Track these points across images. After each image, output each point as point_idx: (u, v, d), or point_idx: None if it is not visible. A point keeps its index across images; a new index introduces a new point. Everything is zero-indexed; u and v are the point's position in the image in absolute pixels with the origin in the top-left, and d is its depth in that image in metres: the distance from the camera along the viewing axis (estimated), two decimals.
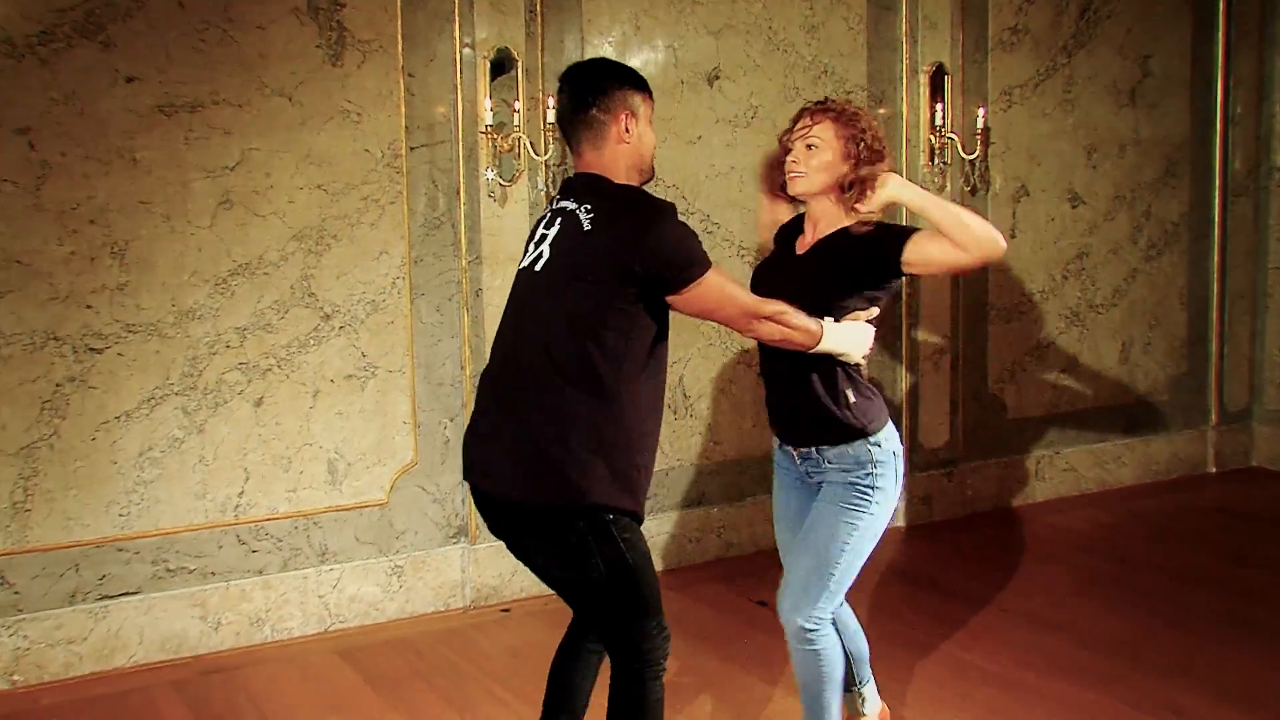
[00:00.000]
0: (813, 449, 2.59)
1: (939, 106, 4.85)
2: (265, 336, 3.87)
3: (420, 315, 4.08)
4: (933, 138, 4.86)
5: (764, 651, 3.59)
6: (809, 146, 2.54)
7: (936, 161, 4.89)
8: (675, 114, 4.41)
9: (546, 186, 4.13)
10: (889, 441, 2.59)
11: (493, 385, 2.38)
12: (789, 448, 2.65)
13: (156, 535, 3.77)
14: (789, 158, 2.58)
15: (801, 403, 2.56)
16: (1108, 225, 5.52)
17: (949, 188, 4.99)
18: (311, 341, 3.95)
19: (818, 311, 2.45)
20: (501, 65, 4.07)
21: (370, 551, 4.09)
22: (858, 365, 2.57)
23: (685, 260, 2.26)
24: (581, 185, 2.40)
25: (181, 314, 3.75)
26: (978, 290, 5.21)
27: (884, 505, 2.57)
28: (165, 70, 3.66)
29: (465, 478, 2.43)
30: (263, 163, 3.82)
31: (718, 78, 4.54)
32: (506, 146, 4.02)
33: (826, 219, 2.60)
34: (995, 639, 3.80)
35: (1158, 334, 5.71)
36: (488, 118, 3.98)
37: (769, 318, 2.37)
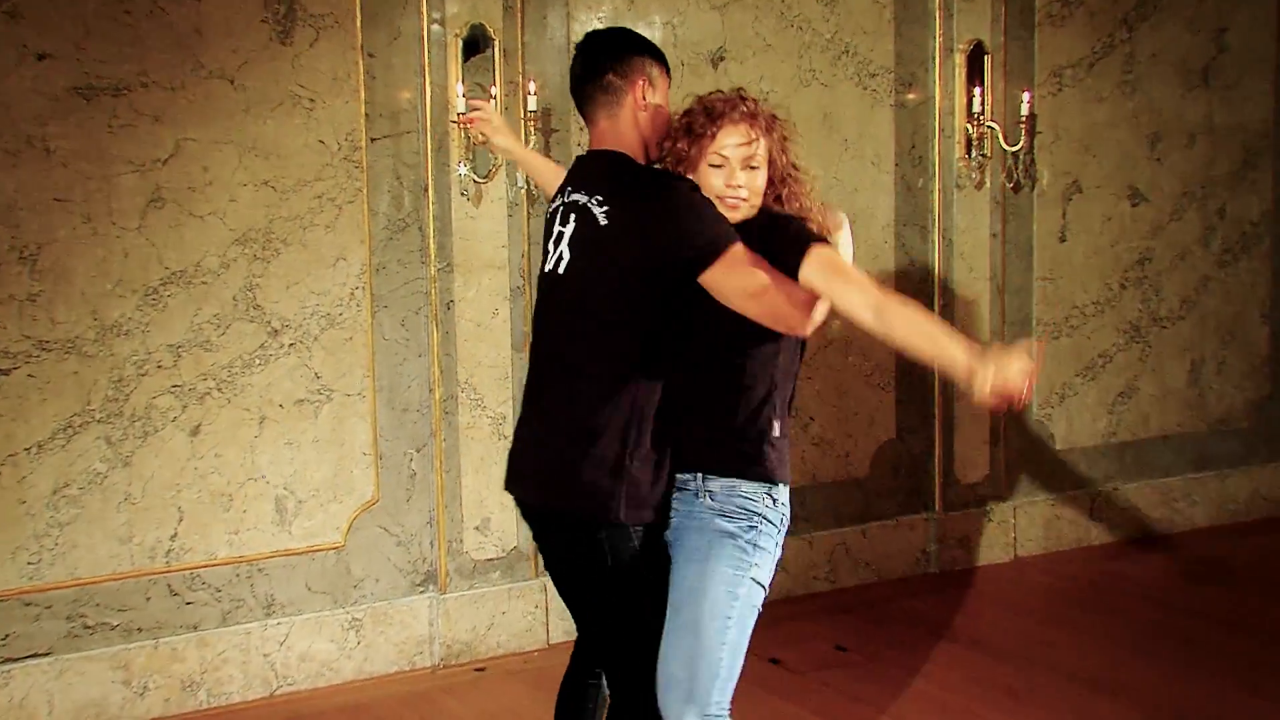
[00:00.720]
0: (694, 475, 2.48)
1: (977, 90, 4.82)
2: (203, 355, 3.86)
3: (383, 331, 4.09)
4: (970, 126, 4.84)
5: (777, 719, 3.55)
6: (752, 168, 2.44)
7: (974, 154, 4.86)
8: (674, 100, 4.28)
9: (527, 183, 4.13)
10: (786, 503, 2.51)
11: (529, 394, 2.59)
12: (690, 479, 2.54)
13: (72, 586, 3.74)
14: (724, 179, 2.43)
15: (701, 408, 2.47)
16: (1174, 226, 5.50)
17: (988, 184, 4.97)
18: (257, 361, 3.94)
19: (726, 334, 2.42)
20: (475, 44, 4.08)
21: (324, 602, 4.08)
22: (789, 399, 2.51)
23: (708, 234, 2.34)
24: (593, 170, 2.52)
25: (104, 329, 3.73)
26: (1021, 301, 5.20)
27: (764, 573, 2.46)
28: (83, 46, 3.63)
29: (505, 488, 2.66)
30: (200, 155, 3.81)
31: (723, 59, 4.55)
32: (481, 138, 3.84)
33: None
34: (1043, 705, 3.79)
35: (1234, 351, 5.69)
36: (460, 105, 3.97)
37: (803, 303, 2.35)
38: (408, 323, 4.13)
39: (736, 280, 2.34)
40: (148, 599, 3.84)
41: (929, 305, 4.94)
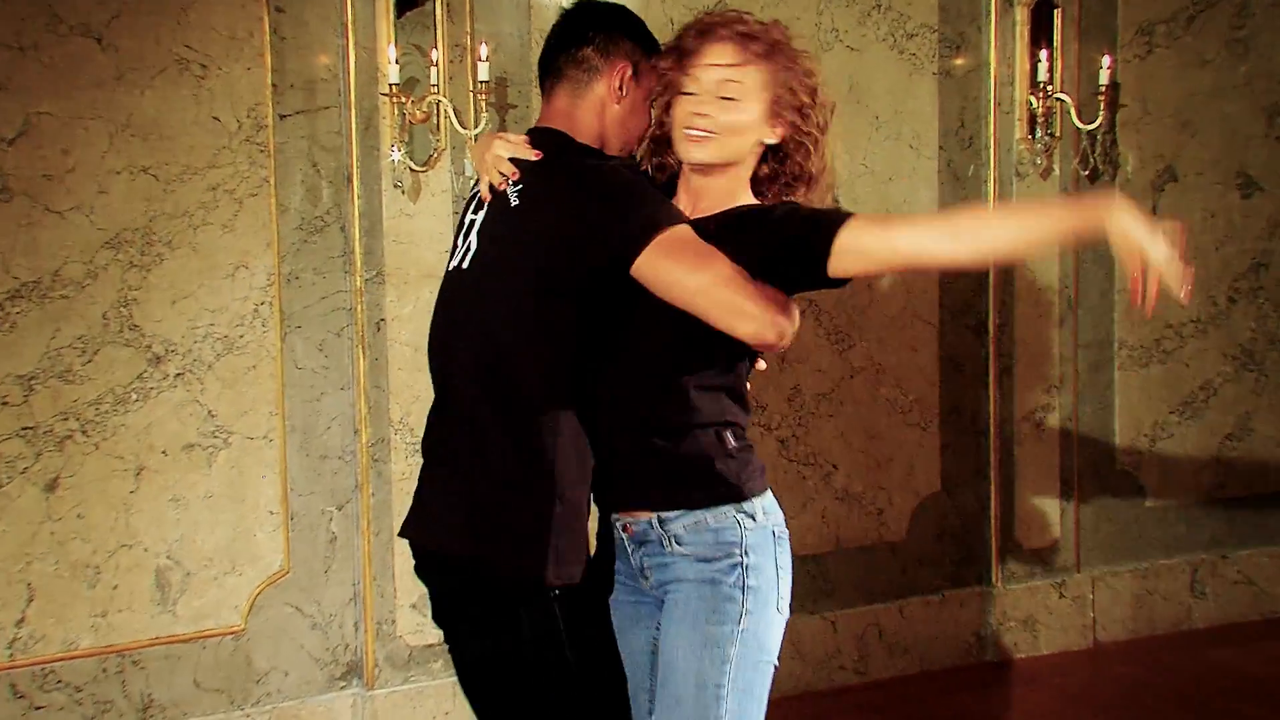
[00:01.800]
0: (650, 518, 2.53)
1: (1044, 54, 4.80)
2: (63, 389, 3.85)
3: (295, 357, 4.10)
4: (1034, 99, 4.81)
5: None
6: (724, 98, 2.47)
7: (1039, 135, 4.83)
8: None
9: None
10: (768, 515, 2.55)
11: (431, 422, 2.67)
12: (616, 519, 2.60)
13: None
14: (687, 105, 2.50)
15: (637, 434, 2.52)
16: None
17: (1057, 171, 4.96)
18: (134, 396, 3.93)
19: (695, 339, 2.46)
20: None
21: (218, 703, 4.04)
22: (747, 388, 2.59)
23: (642, 212, 2.38)
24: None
25: None
26: (1100, 318, 5.18)
27: (761, 616, 2.49)
28: None
29: (400, 533, 2.73)
30: (58, 134, 3.80)
31: None
32: (420, 115, 4.05)
33: (712, 196, 2.56)
34: None
35: None
36: (392, 73, 3.99)
37: (771, 299, 2.39)
38: (327, 347, 4.14)
39: (679, 268, 2.35)
40: None
41: (981, 325, 4.94)
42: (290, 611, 4.11)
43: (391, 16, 4.03)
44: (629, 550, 2.59)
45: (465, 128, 4.05)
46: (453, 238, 2.68)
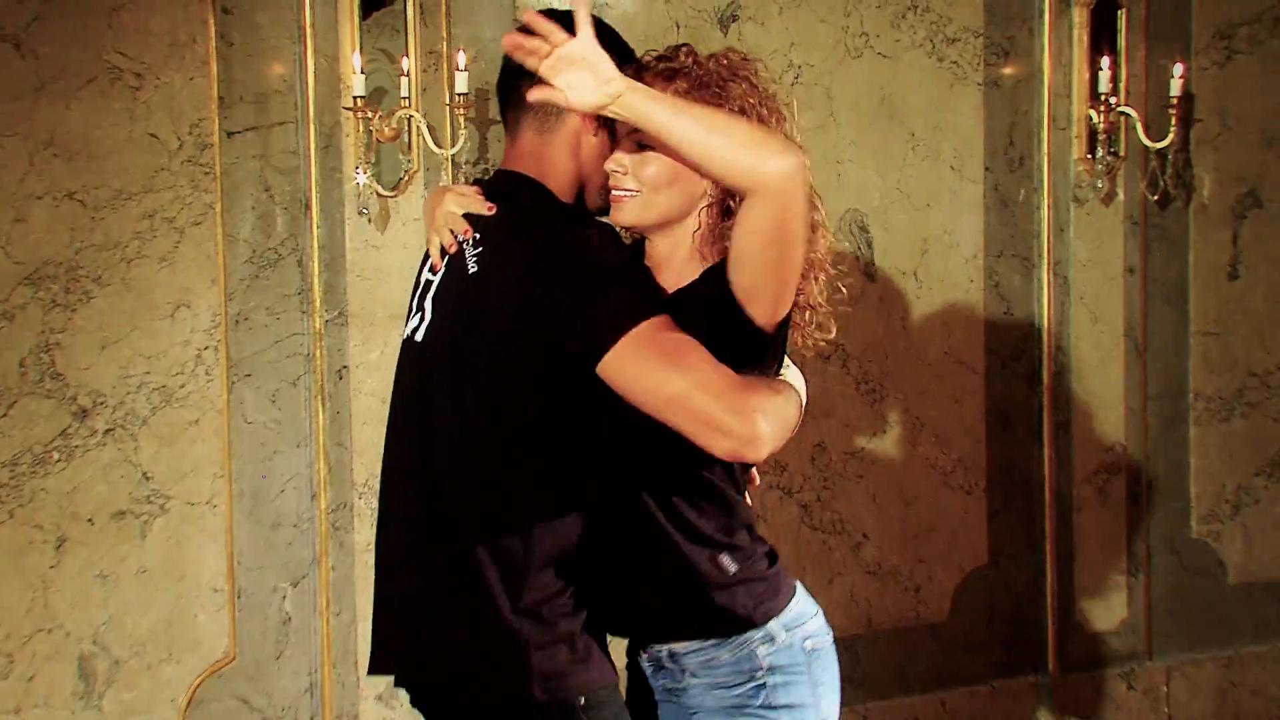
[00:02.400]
0: (661, 648, 2.59)
1: (1105, 61, 4.77)
2: None
3: (244, 410, 4.09)
4: (1095, 113, 4.79)
5: None
6: (640, 146, 2.46)
7: (1101, 154, 4.80)
8: None
9: None
10: (796, 629, 2.57)
11: (385, 517, 2.65)
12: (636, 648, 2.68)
13: None
14: (609, 161, 2.52)
15: (623, 556, 2.55)
16: None
17: (1121, 196, 4.95)
18: (55, 455, 3.90)
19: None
20: None
21: None
22: (739, 498, 2.59)
23: (610, 302, 2.33)
24: (489, 196, 2.58)
25: None
26: (1172, 365, 5.16)
27: None
28: None
29: (370, 670, 2.71)
30: None
31: (735, 18, 4.56)
32: (389, 132, 4.05)
33: (676, 263, 2.54)
34: None
35: None
36: (357, 84, 3.97)
37: (755, 409, 2.35)
38: (281, 398, 4.13)
39: (650, 373, 2.30)
40: None
41: (1034, 373, 4.92)
42: (236, 705, 4.07)
43: (356, 19, 4.03)
44: (648, 673, 2.65)
45: (441, 147, 4.05)
46: (410, 295, 2.66)
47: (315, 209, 4.07)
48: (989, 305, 4.89)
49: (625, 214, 2.51)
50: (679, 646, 2.55)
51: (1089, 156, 4.85)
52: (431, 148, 4.04)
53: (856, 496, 4.73)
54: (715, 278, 2.45)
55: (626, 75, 2.36)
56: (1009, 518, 4.96)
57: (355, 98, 3.95)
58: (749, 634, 2.52)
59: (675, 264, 2.54)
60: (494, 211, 2.50)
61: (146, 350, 3.94)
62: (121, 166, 3.90)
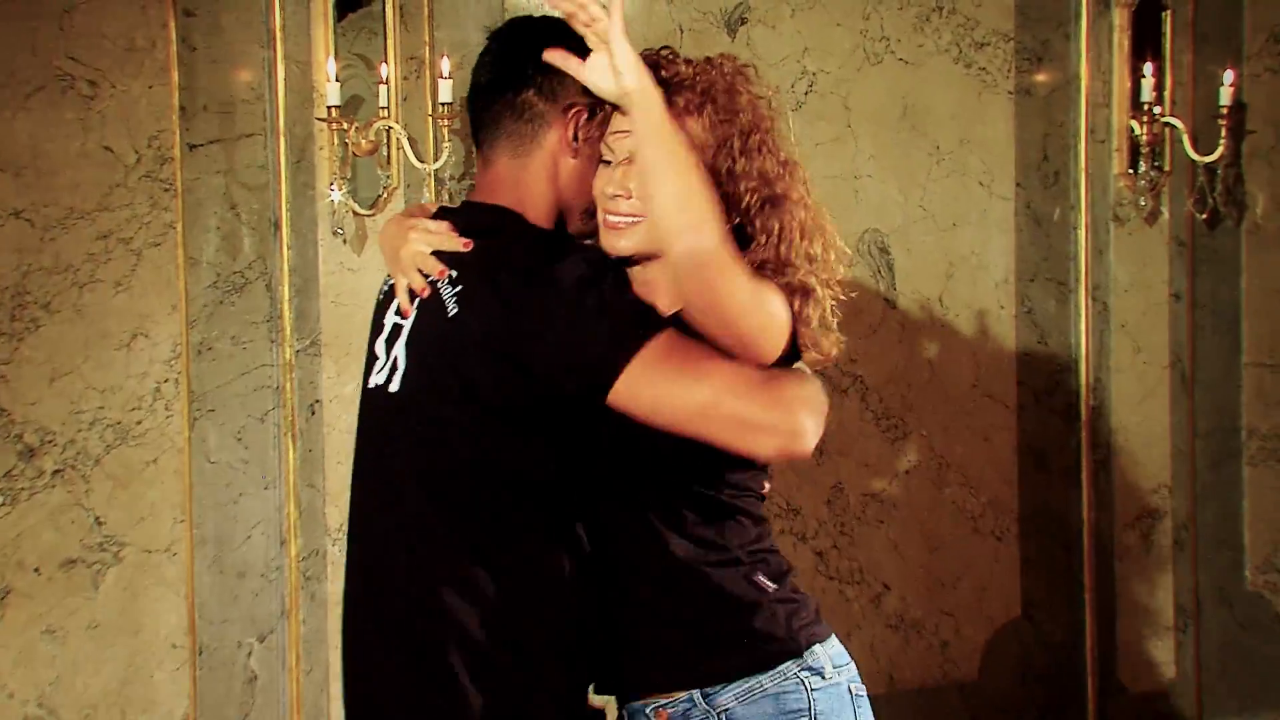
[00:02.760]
0: (688, 694, 2.53)
1: (1148, 67, 4.76)
2: None
3: (207, 449, 4.09)
4: (1137, 125, 4.79)
5: None
6: None
7: (1144, 169, 4.79)
8: None
9: None
10: (839, 670, 2.56)
11: (353, 576, 2.64)
12: (639, 706, 2.59)
13: None
14: (605, 184, 2.50)
15: (640, 594, 2.54)
16: None
17: (1166, 215, 4.94)
18: None
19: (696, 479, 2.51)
20: None
21: None
22: (759, 510, 2.59)
23: (607, 333, 2.33)
24: (461, 231, 2.55)
25: None
26: (1224, 400, 5.14)
27: None
28: None
29: None
30: None
31: (744, 20, 4.58)
32: (366, 145, 4.06)
33: (667, 294, 2.52)
34: None
35: None
36: (332, 93, 3.99)
37: (792, 399, 2.39)
38: (247, 436, 4.14)
39: (670, 389, 2.32)
40: None
41: (1071, 408, 4.89)
42: None
43: (331, 21, 4.04)
44: None
45: (423, 161, 4.06)
46: (370, 338, 2.63)
47: (285, 229, 4.07)
48: (1021, 334, 4.88)
49: (626, 242, 2.48)
50: (714, 688, 2.50)
51: (1131, 171, 4.84)
52: (413, 162, 4.04)
53: (876, 543, 4.71)
54: None
55: None
56: (1044, 566, 4.94)
57: (329, 107, 3.95)
58: (790, 664, 2.49)
59: (674, 292, 2.52)
60: (470, 247, 2.49)
61: (100, 383, 3.93)
62: (73, 183, 3.89)
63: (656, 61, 2.49)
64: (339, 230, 4.06)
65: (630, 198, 2.46)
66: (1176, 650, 5.08)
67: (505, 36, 2.63)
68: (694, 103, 2.46)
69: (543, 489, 2.46)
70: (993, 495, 4.85)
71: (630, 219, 2.47)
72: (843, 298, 2.59)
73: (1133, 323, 4.95)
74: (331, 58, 3.98)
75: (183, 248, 4.00)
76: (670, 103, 2.42)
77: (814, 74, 4.56)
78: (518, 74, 2.51)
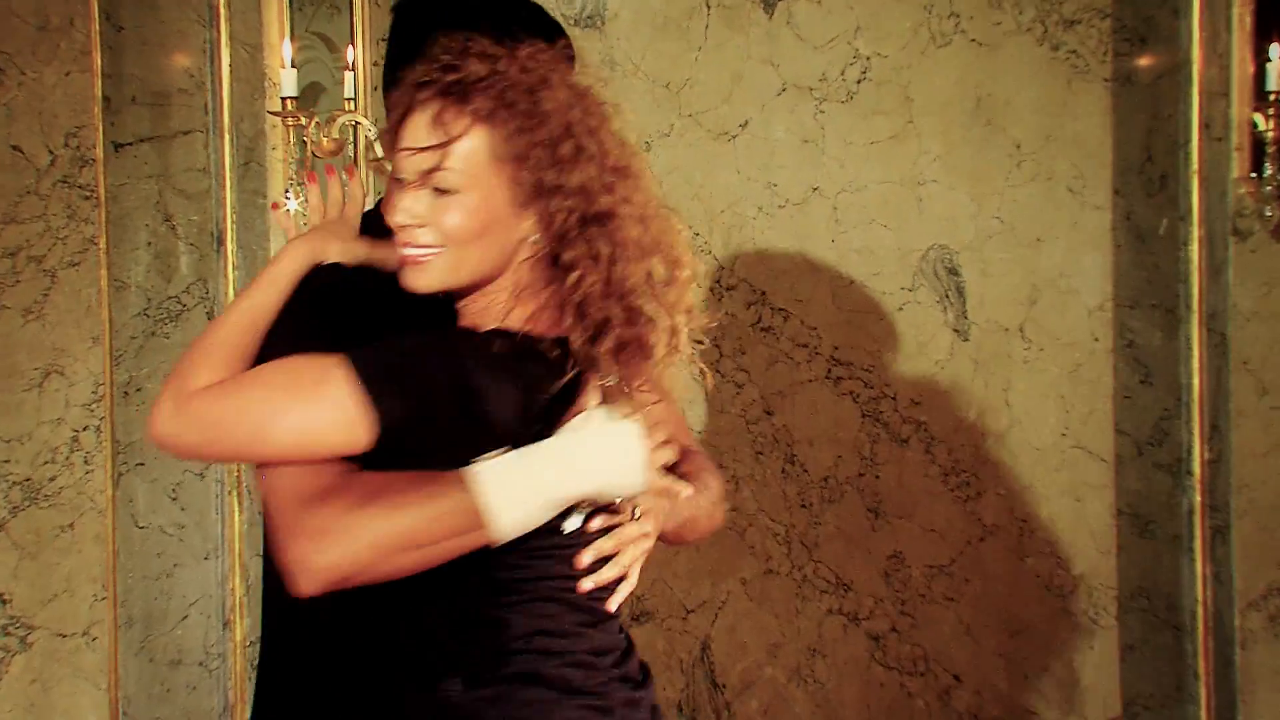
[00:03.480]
0: None
1: (1274, 50, 4.66)
2: None
3: (135, 511, 4.17)
4: (1261, 119, 4.69)
5: None
6: (438, 190, 2.37)
7: (1270, 173, 4.68)
8: (694, 76, 4.61)
9: None
10: None
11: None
12: None
13: None
14: (395, 213, 2.44)
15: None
16: None
17: None
18: None
19: None
20: None
21: None
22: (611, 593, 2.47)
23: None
24: None
25: None
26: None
27: None
28: None
29: None
30: None
31: None
32: (328, 144, 4.10)
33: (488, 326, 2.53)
34: None
35: None
36: (287, 82, 4.06)
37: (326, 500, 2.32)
38: (184, 495, 4.23)
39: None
40: None
41: (1180, 462, 4.83)
42: None
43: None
44: None
45: None
46: None
47: (231, 245, 4.15)
48: (1120, 371, 4.87)
49: (428, 278, 2.42)
50: None
51: (1254, 175, 4.70)
52: (383, 163, 3.96)
53: (945, 625, 4.73)
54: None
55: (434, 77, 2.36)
56: (1150, 655, 4.86)
57: (284, 99, 4.01)
58: None
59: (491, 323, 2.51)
60: None
61: (5, 431, 3.97)
62: None
63: (443, 60, 2.43)
64: None
65: (424, 225, 2.39)
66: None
67: (408, 7, 2.70)
68: (485, 109, 2.37)
69: None
70: (1086, 568, 4.83)
71: (426, 251, 2.40)
72: (708, 324, 2.49)
73: (1257, 358, 4.80)
74: (287, 39, 4.05)
75: (106, 268, 4.04)
76: (462, 107, 2.38)
77: (868, 59, 4.60)
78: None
